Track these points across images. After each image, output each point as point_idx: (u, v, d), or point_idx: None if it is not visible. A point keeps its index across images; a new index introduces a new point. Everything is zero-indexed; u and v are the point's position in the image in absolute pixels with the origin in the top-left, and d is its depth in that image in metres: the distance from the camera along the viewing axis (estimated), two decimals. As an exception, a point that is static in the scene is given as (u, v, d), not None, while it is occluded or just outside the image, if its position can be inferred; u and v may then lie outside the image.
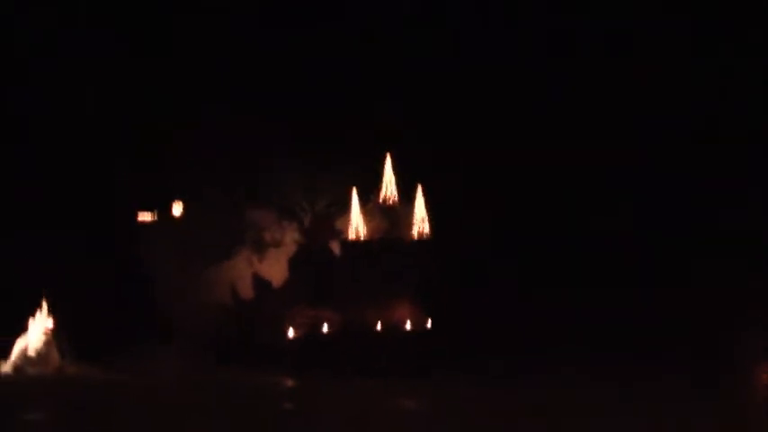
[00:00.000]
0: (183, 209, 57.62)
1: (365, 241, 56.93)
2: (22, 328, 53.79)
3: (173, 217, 57.91)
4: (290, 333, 54.30)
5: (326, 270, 56.36)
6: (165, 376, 51.42)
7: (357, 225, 57.20)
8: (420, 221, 57.03)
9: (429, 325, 54.69)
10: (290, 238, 57.46)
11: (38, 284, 54.02)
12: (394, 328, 54.44)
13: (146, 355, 53.60)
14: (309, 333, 54.81)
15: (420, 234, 57.06)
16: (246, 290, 56.47)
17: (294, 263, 57.05)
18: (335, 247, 57.20)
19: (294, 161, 57.49)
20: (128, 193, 57.18)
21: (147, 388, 48.33)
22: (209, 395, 46.59)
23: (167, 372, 52.24)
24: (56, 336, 53.89)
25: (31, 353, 53.19)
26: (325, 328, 54.65)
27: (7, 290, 53.88)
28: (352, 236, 57.24)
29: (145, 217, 57.55)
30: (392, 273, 55.30)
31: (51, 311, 53.94)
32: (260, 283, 56.91)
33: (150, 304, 55.41)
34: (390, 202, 58.39)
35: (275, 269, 56.61)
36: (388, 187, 58.44)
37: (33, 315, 53.91)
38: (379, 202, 58.43)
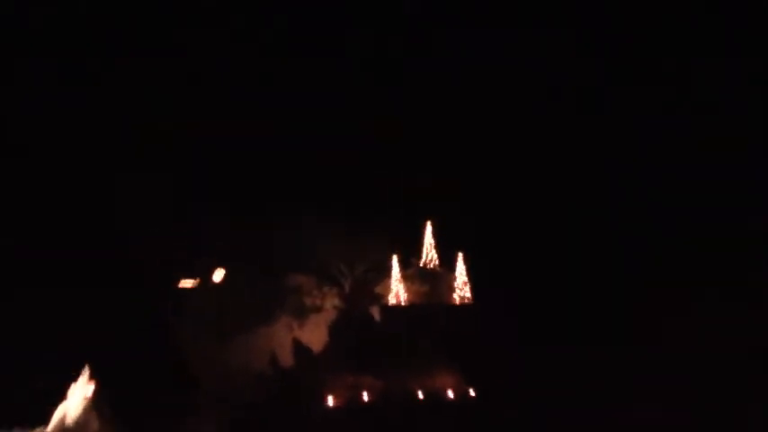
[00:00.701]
0: (225, 275, 57.88)
1: (406, 306, 56.57)
2: (62, 396, 53.93)
3: (214, 283, 58.25)
4: (330, 401, 53.70)
5: (367, 336, 55.97)
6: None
7: (398, 290, 56.88)
8: (461, 286, 56.61)
9: (472, 393, 53.66)
10: (331, 303, 57.36)
11: (79, 351, 54.27)
12: (436, 396, 53.49)
13: (184, 421, 53.32)
14: (350, 400, 54.11)
15: (462, 299, 56.57)
16: (286, 356, 56.26)
17: (334, 329, 56.88)
18: (376, 313, 56.94)
19: (334, 227, 57.65)
20: (169, 259, 57.56)
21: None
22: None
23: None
24: (95, 402, 53.81)
25: (70, 421, 53.12)
26: (365, 396, 53.92)
27: (48, 358, 54.17)
28: (392, 301, 56.89)
29: (186, 284, 57.91)
30: (434, 338, 54.65)
31: (92, 378, 53.96)
32: (300, 349, 56.75)
33: (189, 370, 55.35)
34: (431, 266, 58.30)
35: (315, 335, 56.41)
36: (429, 252, 58.44)
37: (74, 381, 53.99)
38: (419, 267, 58.31)
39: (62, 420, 53.03)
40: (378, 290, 58.19)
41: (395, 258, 57.62)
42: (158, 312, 56.30)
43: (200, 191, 60.90)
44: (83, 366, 54.16)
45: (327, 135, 63.23)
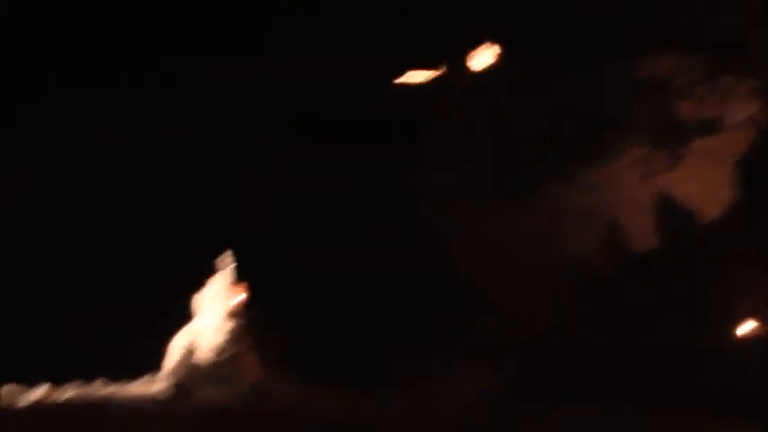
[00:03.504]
0: (500, 57, 27.23)
1: None
2: (183, 311, 27.12)
3: (476, 75, 27.91)
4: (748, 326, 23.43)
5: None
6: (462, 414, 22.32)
7: None
8: None
9: None
10: (740, 113, 25.87)
11: (213, 225, 27.23)
12: None
13: (432, 375, 24.73)
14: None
15: None
16: (641, 231, 25.58)
17: (750, 170, 25.20)
18: None
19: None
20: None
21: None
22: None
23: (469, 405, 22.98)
24: (253, 324, 26.92)
25: (205, 357, 26.50)
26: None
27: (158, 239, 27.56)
28: None
29: (417, 77, 27.82)
30: None
31: (242, 275, 26.51)
32: (673, 215, 25.58)
33: (434, 267, 25.97)
34: None
35: (708, 183, 25.26)
36: None
37: (203, 285, 26.92)
38: None
39: (186, 361, 26.72)
40: None
41: None
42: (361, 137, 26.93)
43: None
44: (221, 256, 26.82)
45: None
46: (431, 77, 27.95)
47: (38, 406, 24.18)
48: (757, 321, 23.62)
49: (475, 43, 27.60)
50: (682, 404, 20.66)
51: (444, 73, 27.84)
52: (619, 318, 24.97)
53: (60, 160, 29.05)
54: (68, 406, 23.91)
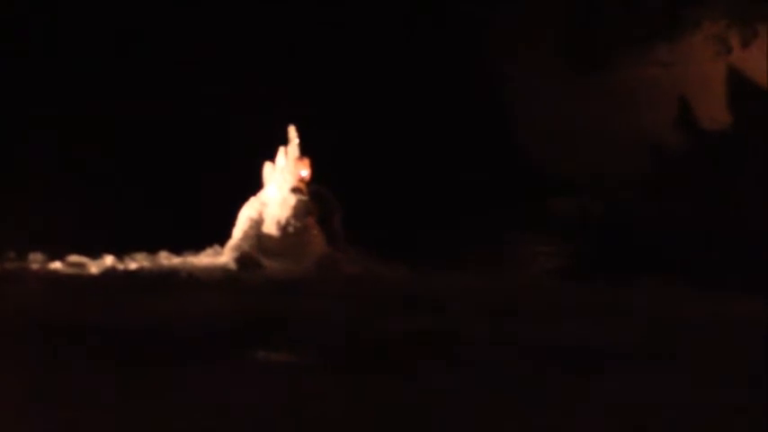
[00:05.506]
0: None
1: None
2: (253, 184, 27.10)
3: None
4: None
5: None
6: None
7: None
8: None
9: None
10: None
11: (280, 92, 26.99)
12: None
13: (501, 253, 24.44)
14: None
15: None
16: (712, 109, 24.98)
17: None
18: None
19: None
20: None
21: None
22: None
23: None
24: (319, 197, 26.91)
25: (271, 229, 26.55)
26: None
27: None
28: None
29: None
30: None
31: (305, 145, 26.40)
32: (744, 92, 24.92)
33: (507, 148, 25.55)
34: None
35: None
36: None
37: (273, 157, 26.85)
38: None
39: (254, 232, 26.68)
40: None
41: None
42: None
43: None
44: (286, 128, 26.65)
45: None
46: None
47: (108, 273, 24.16)
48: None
49: None
50: (742, 288, 19.74)
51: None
52: (688, 197, 24.63)
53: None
54: (138, 274, 23.87)
